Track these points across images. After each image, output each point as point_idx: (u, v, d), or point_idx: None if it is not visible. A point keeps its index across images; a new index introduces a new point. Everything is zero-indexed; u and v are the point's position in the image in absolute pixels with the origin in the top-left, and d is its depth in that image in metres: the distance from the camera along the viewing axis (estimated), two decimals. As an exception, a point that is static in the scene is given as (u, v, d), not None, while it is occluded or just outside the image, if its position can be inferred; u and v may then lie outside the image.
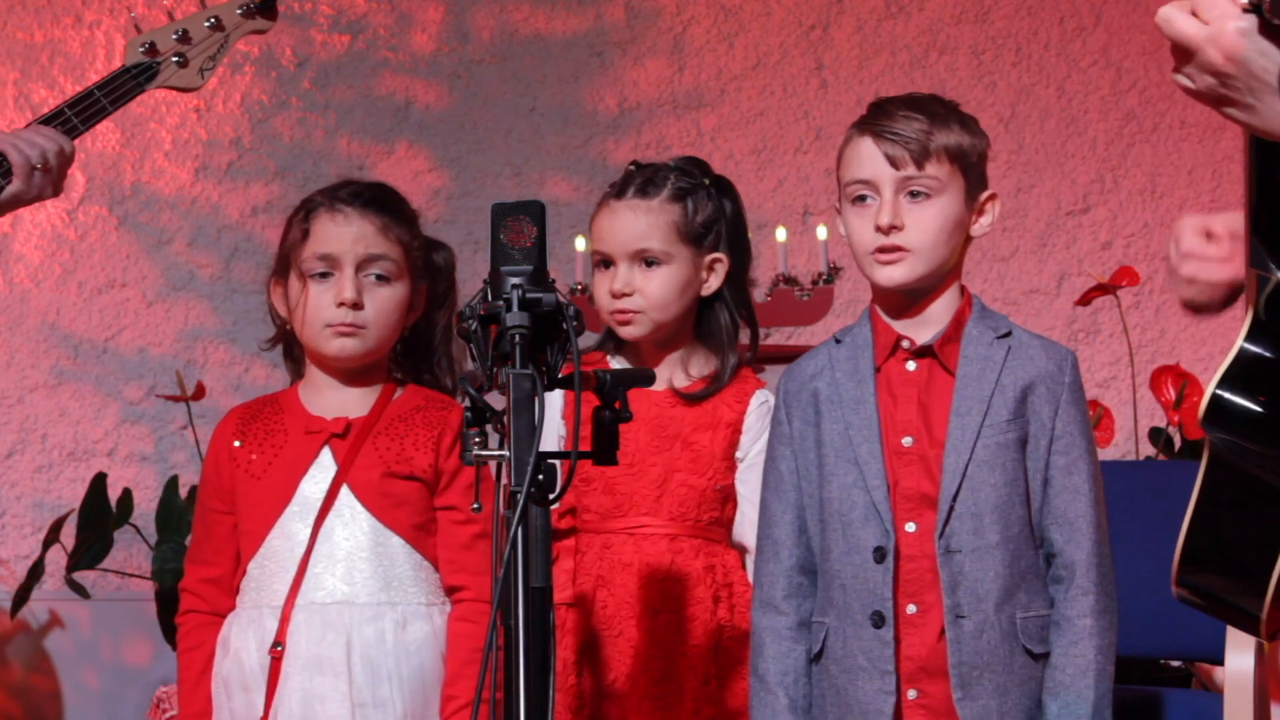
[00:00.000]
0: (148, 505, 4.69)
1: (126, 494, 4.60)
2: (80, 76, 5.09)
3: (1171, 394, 4.55)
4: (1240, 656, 3.07)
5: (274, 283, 3.15)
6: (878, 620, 2.83)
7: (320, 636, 2.97)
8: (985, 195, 2.93)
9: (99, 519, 4.55)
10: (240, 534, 3.08)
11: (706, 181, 3.17)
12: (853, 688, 2.85)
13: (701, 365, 3.17)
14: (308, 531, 3.01)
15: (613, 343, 3.20)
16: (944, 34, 5.28)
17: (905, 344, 2.91)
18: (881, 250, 2.88)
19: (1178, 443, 4.59)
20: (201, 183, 5.12)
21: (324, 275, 3.06)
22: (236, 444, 3.10)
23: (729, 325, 3.16)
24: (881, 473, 2.86)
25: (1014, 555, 2.84)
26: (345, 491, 3.03)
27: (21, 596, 4.55)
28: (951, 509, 2.83)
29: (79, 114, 3.10)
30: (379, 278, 3.07)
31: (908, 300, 2.92)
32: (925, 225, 2.87)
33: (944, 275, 2.91)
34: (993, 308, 2.98)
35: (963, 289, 2.95)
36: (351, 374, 3.10)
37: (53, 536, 4.55)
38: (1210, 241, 2.24)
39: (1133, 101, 5.22)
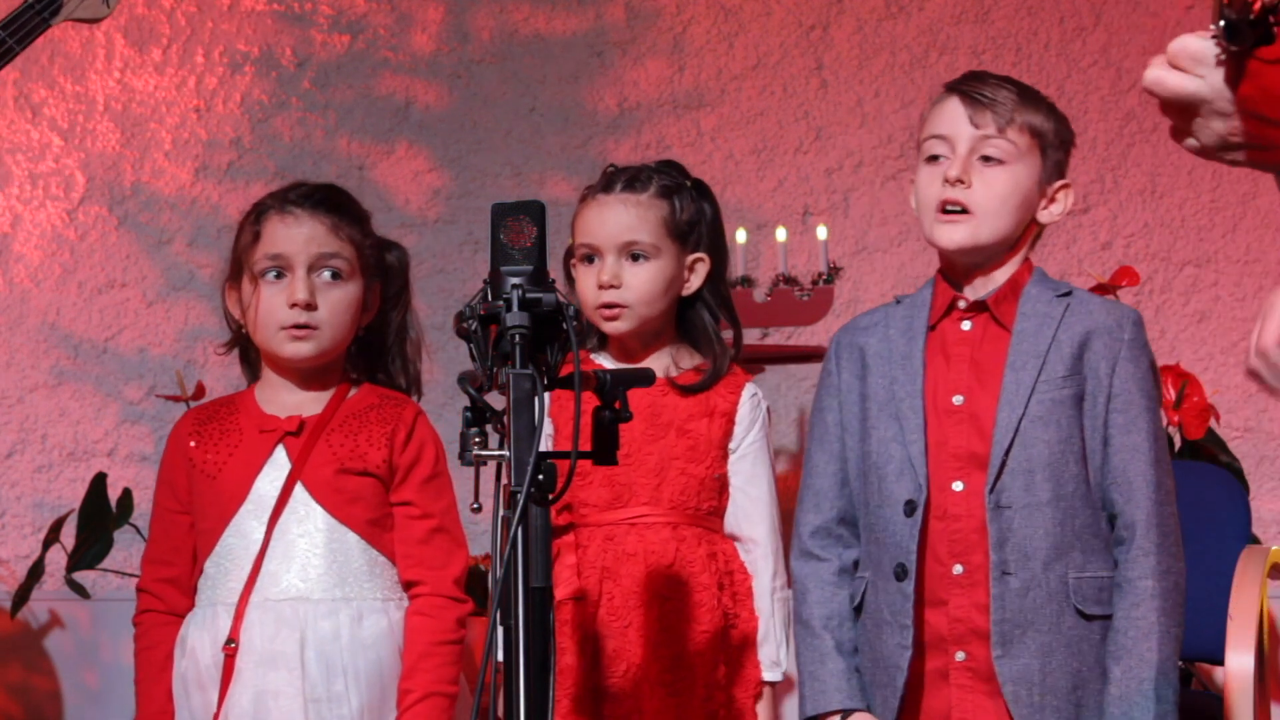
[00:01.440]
0: (148, 505, 4.66)
1: (126, 494, 4.60)
2: (80, 76, 5.09)
3: (1171, 394, 4.54)
4: (1240, 656, 3.07)
5: (229, 287, 3.16)
6: (900, 573, 2.83)
7: (274, 633, 2.98)
8: (1059, 184, 2.92)
9: (99, 519, 4.54)
10: (197, 533, 3.10)
11: (688, 183, 3.19)
12: (879, 641, 2.86)
13: (689, 360, 3.18)
14: (263, 529, 3.03)
15: (596, 338, 3.21)
16: (944, 34, 5.27)
17: (961, 303, 2.91)
18: (945, 207, 2.87)
19: (1178, 442, 4.59)
20: (201, 183, 5.12)
21: (276, 276, 3.07)
22: (192, 444, 3.12)
23: (711, 324, 3.18)
24: (920, 427, 2.86)
25: (1066, 514, 2.81)
26: (299, 489, 3.04)
27: (21, 596, 4.55)
28: (1004, 464, 2.81)
29: None
30: (332, 276, 3.07)
31: (969, 268, 2.91)
32: (992, 189, 2.86)
33: (1005, 249, 2.90)
34: (993, 308, 2.98)
35: (1027, 262, 2.93)
36: (306, 375, 3.12)
37: (53, 536, 4.54)
38: None
39: (1133, 101, 5.22)
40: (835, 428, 2.96)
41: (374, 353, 3.18)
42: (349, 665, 2.98)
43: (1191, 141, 1.84)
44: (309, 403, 3.11)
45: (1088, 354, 2.85)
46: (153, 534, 3.18)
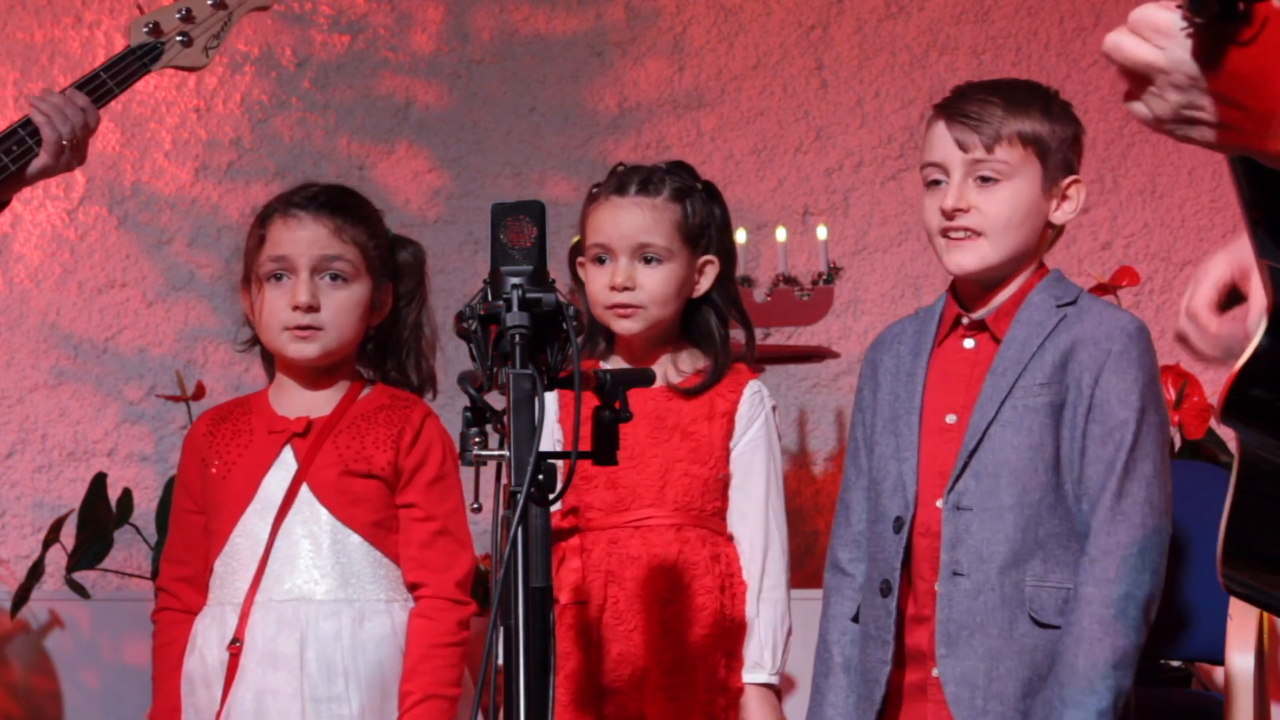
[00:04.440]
0: (148, 505, 4.69)
1: (126, 494, 4.60)
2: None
3: (1171, 394, 4.54)
4: (1240, 656, 3.07)
5: (243, 289, 3.18)
6: (885, 589, 2.84)
7: (275, 633, 3.01)
8: (1068, 181, 2.89)
9: (99, 519, 4.54)
10: (208, 533, 3.12)
11: (699, 186, 3.20)
12: (865, 654, 2.88)
13: (692, 363, 3.19)
14: (268, 529, 3.05)
15: (604, 343, 3.21)
16: (944, 34, 5.27)
17: (965, 320, 2.90)
18: (946, 234, 2.86)
19: (1178, 443, 4.59)
20: (201, 183, 5.12)
21: (280, 278, 3.09)
22: (206, 444, 3.14)
23: (717, 326, 3.18)
24: (914, 445, 2.86)
25: (1030, 520, 2.80)
26: (305, 490, 3.06)
27: (21, 596, 4.55)
28: (967, 466, 2.81)
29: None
30: (335, 278, 3.09)
31: (981, 288, 2.90)
32: (994, 209, 2.84)
33: (1019, 262, 2.88)
34: (993, 307, 2.97)
35: (1041, 266, 2.91)
36: (314, 375, 3.13)
37: (53, 536, 4.54)
38: (1219, 314, 2.03)
39: (1133, 101, 5.21)
40: (861, 443, 2.96)
41: (388, 351, 3.20)
42: (350, 666, 3.00)
43: (1141, 109, 1.84)
44: (319, 403, 3.13)
45: (1072, 364, 2.82)
46: (170, 533, 3.21)
